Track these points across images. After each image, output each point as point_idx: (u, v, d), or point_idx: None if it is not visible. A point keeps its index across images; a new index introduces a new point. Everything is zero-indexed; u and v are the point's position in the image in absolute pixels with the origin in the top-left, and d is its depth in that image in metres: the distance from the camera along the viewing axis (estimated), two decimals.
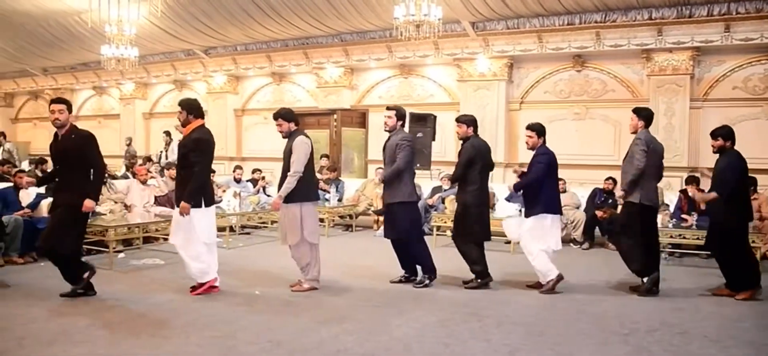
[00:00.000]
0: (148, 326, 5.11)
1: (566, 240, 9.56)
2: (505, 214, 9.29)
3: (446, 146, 13.28)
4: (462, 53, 13.25)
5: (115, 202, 9.13)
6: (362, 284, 6.83)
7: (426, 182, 10.90)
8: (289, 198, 6.25)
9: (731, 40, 10.88)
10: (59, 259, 5.83)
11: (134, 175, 10.37)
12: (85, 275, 5.87)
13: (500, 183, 11.92)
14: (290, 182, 6.21)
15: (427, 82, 14.51)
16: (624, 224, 6.66)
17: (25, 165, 13.75)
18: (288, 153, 6.34)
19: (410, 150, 6.58)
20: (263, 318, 5.40)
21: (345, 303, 5.96)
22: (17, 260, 7.58)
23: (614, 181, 10.41)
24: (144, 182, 9.75)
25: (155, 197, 9.78)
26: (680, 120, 11.46)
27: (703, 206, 7.71)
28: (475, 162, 6.65)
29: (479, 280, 6.69)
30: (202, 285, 6.18)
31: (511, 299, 6.29)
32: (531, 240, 6.61)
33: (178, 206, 6.08)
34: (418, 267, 6.84)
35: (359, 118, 15.11)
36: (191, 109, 6.20)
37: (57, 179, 6.08)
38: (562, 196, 9.64)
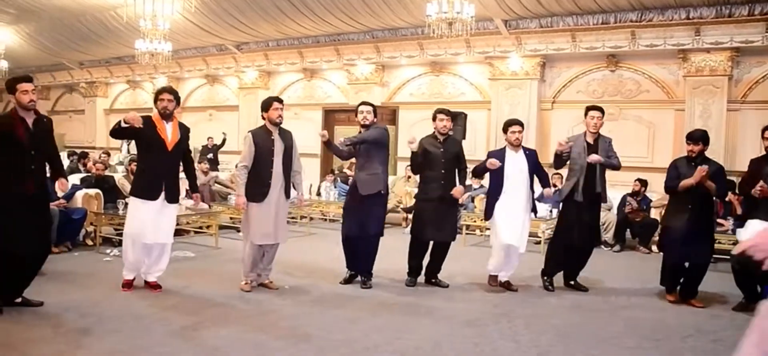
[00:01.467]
0: (180, 317, 5.17)
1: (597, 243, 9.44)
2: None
3: (477, 145, 13.20)
4: (494, 51, 13.16)
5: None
6: (391, 281, 6.82)
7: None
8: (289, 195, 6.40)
9: None
10: None
11: None
12: None
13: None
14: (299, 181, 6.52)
15: (459, 80, 14.44)
16: None
17: (63, 156, 13.97)
18: (288, 149, 6.30)
19: (383, 135, 6.65)
20: (293, 315, 5.42)
21: (374, 301, 5.96)
22: (52, 250, 7.71)
23: (643, 183, 10.27)
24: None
25: (186, 190, 9.86)
26: (716, 122, 11.20)
27: (739, 211, 7.54)
28: None
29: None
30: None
31: (541, 300, 6.25)
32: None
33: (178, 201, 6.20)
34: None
35: (390, 115, 15.09)
36: (178, 98, 6.22)
37: None
38: None
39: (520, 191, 6.53)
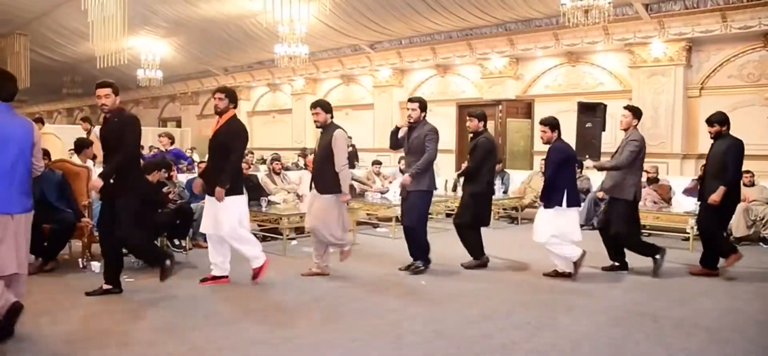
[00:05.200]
0: (317, 311, 5.35)
1: (755, 239, 8.76)
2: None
3: (617, 136, 12.56)
4: (634, 38, 12.52)
5: (289, 192, 9.62)
6: (529, 277, 6.68)
7: (594, 174, 10.43)
8: (329, 190, 6.35)
9: None
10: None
11: (306, 166, 10.87)
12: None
13: (677, 176, 11.17)
14: (346, 175, 6.34)
15: (596, 69, 13.89)
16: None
17: None
18: (327, 145, 6.35)
19: (437, 141, 6.74)
20: (428, 309, 5.44)
21: (511, 297, 5.85)
22: (202, 245, 8.21)
23: None
24: None
25: None
26: None
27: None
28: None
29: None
30: (259, 267, 6.26)
31: (691, 300, 5.84)
32: (546, 229, 6.54)
33: (210, 194, 6.09)
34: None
35: (525, 108, 14.77)
36: (232, 97, 6.22)
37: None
38: (750, 190, 8.89)
39: None
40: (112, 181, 5.46)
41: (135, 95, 25.51)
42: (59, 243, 6.86)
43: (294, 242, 8.75)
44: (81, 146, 8.30)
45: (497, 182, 11.08)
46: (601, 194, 6.98)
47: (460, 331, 4.76)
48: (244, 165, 10.16)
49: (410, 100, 6.94)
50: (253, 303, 5.59)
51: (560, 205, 6.49)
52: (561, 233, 6.51)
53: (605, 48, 13.36)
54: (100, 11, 13.72)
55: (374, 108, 18.01)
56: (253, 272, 6.27)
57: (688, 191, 9.16)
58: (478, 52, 14.98)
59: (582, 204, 10.19)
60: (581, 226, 9.77)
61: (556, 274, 6.60)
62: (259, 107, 22.29)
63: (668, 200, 9.61)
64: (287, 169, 11.73)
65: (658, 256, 6.73)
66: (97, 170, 7.06)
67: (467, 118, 7.14)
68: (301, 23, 13.61)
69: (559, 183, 6.53)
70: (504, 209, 11.34)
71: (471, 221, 7.07)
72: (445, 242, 7.16)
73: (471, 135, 7.16)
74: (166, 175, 8.04)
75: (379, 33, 15.82)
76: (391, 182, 10.89)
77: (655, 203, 9.52)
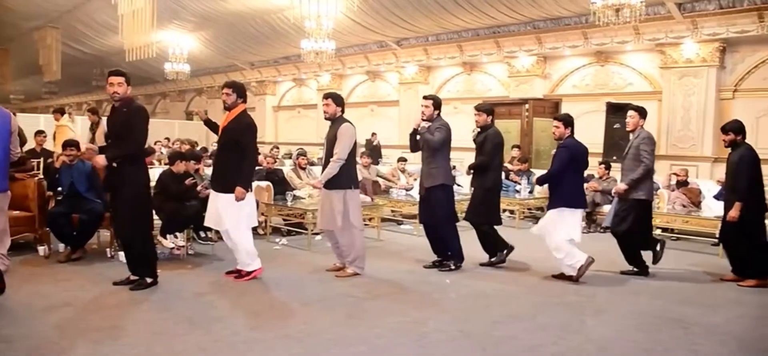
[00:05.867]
0: (341, 307, 5.33)
1: None
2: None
3: None
4: (666, 38, 12.34)
5: (314, 187, 9.61)
6: (555, 279, 6.58)
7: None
8: (332, 185, 6.22)
9: None
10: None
11: None
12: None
13: (708, 180, 10.98)
14: (333, 168, 6.15)
15: (626, 70, 13.72)
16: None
17: None
18: (333, 139, 6.27)
19: (448, 133, 6.66)
20: (453, 308, 5.41)
21: (537, 299, 5.79)
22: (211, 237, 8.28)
23: None
24: None
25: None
26: None
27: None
28: None
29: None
30: (248, 273, 6.14)
31: (721, 307, 5.71)
32: (554, 233, 6.40)
33: (223, 191, 5.92)
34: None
35: (552, 108, 14.63)
36: (240, 92, 6.08)
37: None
38: None
39: None
40: (115, 167, 5.43)
41: (162, 87, 25.79)
42: (88, 233, 6.93)
43: (318, 236, 8.73)
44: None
45: (523, 181, 11.01)
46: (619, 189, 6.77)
47: (486, 332, 4.72)
48: (269, 160, 10.24)
49: (424, 97, 6.90)
50: (278, 297, 5.61)
51: (566, 205, 6.39)
52: (565, 233, 6.38)
53: (635, 48, 13.19)
54: (130, 5, 13.89)
55: (399, 105, 17.99)
56: (237, 270, 6.21)
57: (719, 196, 9.00)
58: (506, 50, 14.88)
59: (609, 206, 10.09)
60: (606, 229, 9.72)
61: (563, 277, 6.50)
62: (285, 102, 22.37)
63: (698, 204, 9.45)
64: (312, 164, 11.73)
65: (658, 248, 6.77)
66: None
67: (475, 112, 7.07)
68: (328, 19, 13.62)
69: (564, 182, 6.44)
70: (529, 209, 11.23)
71: (489, 218, 6.99)
72: (468, 240, 7.09)
73: (479, 130, 7.04)
74: (195, 168, 8.09)
75: (406, 29, 15.78)
76: (415, 180, 10.85)
77: (684, 206, 9.36)
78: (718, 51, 11.95)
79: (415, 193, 9.95)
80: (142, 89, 27.78)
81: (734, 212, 6.37)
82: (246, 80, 22.55)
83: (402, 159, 11.71)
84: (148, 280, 5.66)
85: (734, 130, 6.59)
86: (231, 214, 5.94)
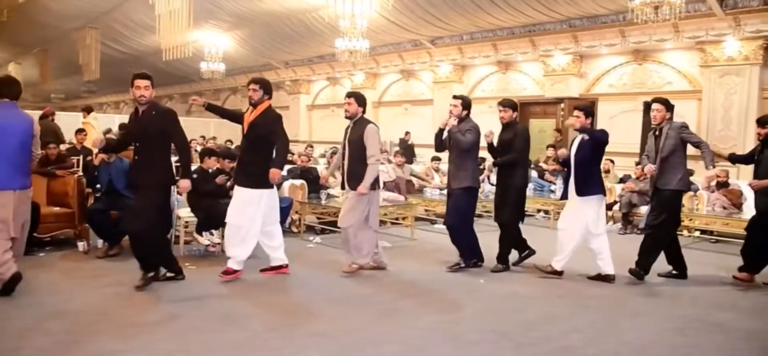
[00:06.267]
0: (375, 306, 5.33)
1: None
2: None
3: None
4: (706, 36, 12.09)
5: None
6: (591, 280, 6.49)
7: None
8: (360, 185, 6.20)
9: None
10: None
11: None
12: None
13: (748, 180, 10.70)
14: (373, 170, 6.19)
15: (664, 68, 13.48)
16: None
17: None
18: (358, 140, 6.23)
19: (478, 135, 6.60)
20: (487, 308, 5.36)
21: (572, 300, 5.70)
22: None
23: None
24: None
25: (384, 182, 10.17)
26: None
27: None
28: None
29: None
30: (233, 271, 6.03)
31: (764, 311, 5.56)
32: (596, 225, 6.32)
33: (250, 186, 5.92)
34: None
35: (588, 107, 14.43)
36: (267, 88, 6.07)
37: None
38: None
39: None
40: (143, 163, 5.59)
41: (197, 86, 26.08)
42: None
43: None
44: None
45: (558, 181, 10.89)
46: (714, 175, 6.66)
47: (520, 332, 4.67)
48: (304, 158, 10.30)
49: (454, 97, 6.84)
50: (312, 295, 5.62)
51: (599, 193, 6.34)
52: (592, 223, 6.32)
53: (675, 46, 12.94)
54: (167, 5, 14.09)
55: (433, 104, 17.94)
56: (271, 267, 6.27)
57: None
58: (541, 48, 14.74)
59: (646, 207, 9.92)
60: (643, 230, 9.53)
61: (599, 277, 6.40)
62: (319, 101, 22.47)
63: (739, 206, 9.22)
64: None
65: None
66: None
67: (500, 109, 6.92)
68: (363, 18, 13.66)
69: (594, 170, 6.42)
70: None
71: (518, 218, 6.89)
72: (494, 242, 7.04)
73: (503, 127, 6.91)
74: (231, 167, 8.17)
75: (441, 28, 15.73)
76: None
77: (724, 208, 9.15)
78: (762, 49, 11.66)
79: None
80: (178, 88, 28.21)
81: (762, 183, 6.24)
82: (280, 79, 22.74)
83: (436, 158, 11.67)
84: (151, 274, 5.66)
85: None
86: (247, 212, 5.94)
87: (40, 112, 12.28)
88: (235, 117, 6.40)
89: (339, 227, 6.64)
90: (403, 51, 17.91)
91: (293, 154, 13.24)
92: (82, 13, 19.23)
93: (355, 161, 6.30)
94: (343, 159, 6.48)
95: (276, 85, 23.48)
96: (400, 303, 5.43)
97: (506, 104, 6.97)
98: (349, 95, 6.50)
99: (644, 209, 10.00)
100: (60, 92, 32.22)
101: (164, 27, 14.56)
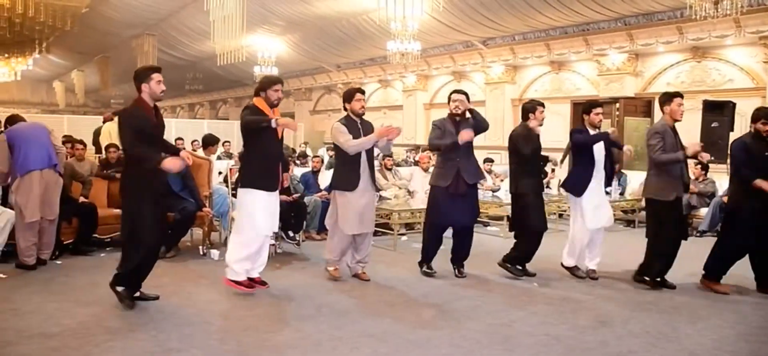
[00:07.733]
0: (426, 308, 5.33)
1: None
2: None
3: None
4: None
5: (400, 188, 9.66)
6: (647, 285, 6.32)
7: (721, 178, 9.80)
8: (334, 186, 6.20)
9: None
10: None
11: (417, 163, 10.88)
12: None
13: None
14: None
15: (725, 65, 13.03)
16: None
17: (322, 152, 15.25)
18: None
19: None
20: (541, 311, 5.29)
21: (628, 304, 5.57)
22: (315, 237, 8.45)
23: None
24: (426, 170, 10.14)
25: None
26: None
27: None
28: None
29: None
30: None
31: None
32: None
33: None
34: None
35: (644, 107, 14.11)
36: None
37: None
38: None
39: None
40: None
41: (251, 90, 26.46)
42: (181, 231, 7.21)
43: (404, 237, 8.78)
44: (208, 142, 8.80)
45: (614, 183, 10.66)
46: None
47: (575, 337, 4.59)
48: None
49: (456, 92, 6.67)
50: (364, 296, 5.65)
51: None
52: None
53: (736, 42, 12.50)
54: (221, 11, 14.33)
55: (486, 105, 17.78)
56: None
57: None
58: (595, 47, 14.45)
59: (706, 209, 9.66)
60: (704, 232, 9.29)
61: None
62: (371, 104, 22.50)
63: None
64: (398, 165, 11.78)
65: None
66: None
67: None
68: (414, 20, 13.65)
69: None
70: (622, 211, 10.85)
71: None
72: (557, 243, 6.93)
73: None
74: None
75: (492, 29, 15.59)
76: (502, 180, 10.70)
77: None
78: None
79: (503, 194, 9.82)
80: (231, 92, 28.72)
81: None
82: (332, 82, 22.91)
83: (488, 160, 11.55)
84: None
85: None
86: (240, 209, 5.71)
87: (101, 116, 12.77)
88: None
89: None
90: (455, 52, 17.82)
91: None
92: (141, 20, 19.77)
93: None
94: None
95: (328, 88, 23.80)
96: (452, 306, 5.42)
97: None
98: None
99: (704, 212, 9.73)
100: (119, 98, 33.12)
101: (218, 32, 14.83)
